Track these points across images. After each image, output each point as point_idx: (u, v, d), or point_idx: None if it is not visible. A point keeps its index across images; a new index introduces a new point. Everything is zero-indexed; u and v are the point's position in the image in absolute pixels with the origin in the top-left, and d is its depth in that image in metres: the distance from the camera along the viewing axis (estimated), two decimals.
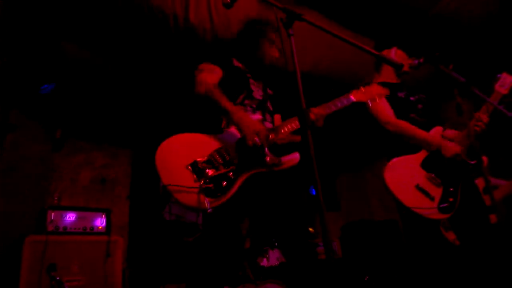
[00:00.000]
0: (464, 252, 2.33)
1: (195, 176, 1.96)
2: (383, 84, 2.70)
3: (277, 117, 2.49)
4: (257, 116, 2.31)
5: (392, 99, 2.60)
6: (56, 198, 4.09)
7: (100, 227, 3.53)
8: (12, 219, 3.45)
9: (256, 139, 2.03)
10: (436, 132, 2.52)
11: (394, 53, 2.71)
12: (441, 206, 2.26)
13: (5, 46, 3.11)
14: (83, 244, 3.31)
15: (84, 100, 4.13)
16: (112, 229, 3.67)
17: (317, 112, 2.15)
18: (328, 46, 3.71)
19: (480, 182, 2.48)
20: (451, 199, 2.29)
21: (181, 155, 2.02)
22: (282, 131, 2.16)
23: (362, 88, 2.27)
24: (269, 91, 2.52)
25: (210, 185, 1.94)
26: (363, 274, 4.13)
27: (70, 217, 3.40)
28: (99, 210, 3.64)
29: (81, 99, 4.10)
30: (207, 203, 1.87)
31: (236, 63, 2.45)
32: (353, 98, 2.23)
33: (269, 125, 2.33)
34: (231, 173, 2.01)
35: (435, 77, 3.74)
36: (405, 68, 2.65)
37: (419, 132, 2.48)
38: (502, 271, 2.11)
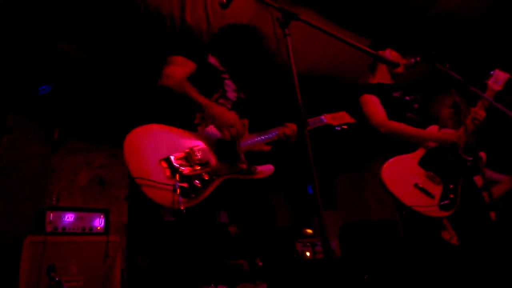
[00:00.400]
0: (465, 250, 2.32)
1: (168, 172, 1.82)
2: (378, 86, 2.71)
3: (245, 122, 2.38)
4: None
5: (387, 100, 2.60)
6: (54, 198, 4.09)
7: (98, 228, 3.52)
8: (12, 219, 3.44)
9: (233, 130, 2.00)
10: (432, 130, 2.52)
11: (389, 54, 2.70)
12: (442, 203, 2.24)
13: (4, 46, 3.11)
14: (81, 244, 3.31)
15: (82, 101, 4.12)
16: (110, 229, 3.67)
17: (294, 128, 2.17)
18: (325, 46, 3.71)
19: (478, 179, 2.48)
20: (451, 196, 2.28)
21: (155, 147, 1.88)
22: (262, 137, 2.17)
23: (333, 114, 2.43)
24: (241, 95, 2.45)
25: (185, 184, 1.81)
26: (362, 273, 4.14)
27: (69, 217, 3.40)
28: (97, 211, 3.64)
29: (79, 100, 4.10)
30: (181, 202, 1.74)
31: (211, 59, 2.34)
32: (325, 120, 2.36)
33: None
34: (206, 175, 1.91)
35: (430, 76, 3.75)
36: (400, 68, 2.65)
37: (420, 131, 2.48)
38: (503, 269, 2.11)
